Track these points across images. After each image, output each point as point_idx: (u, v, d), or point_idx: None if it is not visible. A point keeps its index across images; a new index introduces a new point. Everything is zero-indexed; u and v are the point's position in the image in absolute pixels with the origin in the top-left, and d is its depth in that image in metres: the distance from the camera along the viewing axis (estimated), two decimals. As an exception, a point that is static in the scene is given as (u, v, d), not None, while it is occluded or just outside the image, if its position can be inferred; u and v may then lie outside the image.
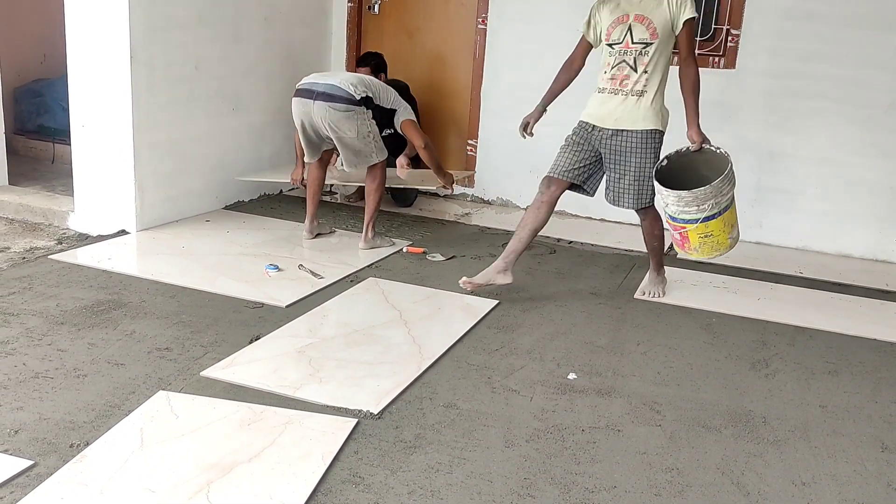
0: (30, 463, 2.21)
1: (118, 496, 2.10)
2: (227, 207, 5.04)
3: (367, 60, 5.08)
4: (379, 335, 3.29)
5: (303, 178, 4.64)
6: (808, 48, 4.79)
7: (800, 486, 2.41)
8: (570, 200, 5.46)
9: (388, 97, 4.30)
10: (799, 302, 4.05)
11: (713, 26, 5.01)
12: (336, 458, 2.36)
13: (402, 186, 4.97)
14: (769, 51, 4.88)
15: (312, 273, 3.94)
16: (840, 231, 4.93)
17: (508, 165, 5.58)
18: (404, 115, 4.32)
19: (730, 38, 4.95)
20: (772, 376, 3.18)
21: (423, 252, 4.38)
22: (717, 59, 5.00)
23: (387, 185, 4.50)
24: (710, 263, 4.59)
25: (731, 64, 4.97)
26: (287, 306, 3.52)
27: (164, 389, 2.69)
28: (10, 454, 2.25)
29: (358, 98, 4.08)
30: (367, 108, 4.15)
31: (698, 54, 5.05)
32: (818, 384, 3.13)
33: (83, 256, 3.98)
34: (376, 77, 4.71)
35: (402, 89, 5.20)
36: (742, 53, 4.93)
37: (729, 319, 3.74)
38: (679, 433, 2.68)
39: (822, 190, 4.92)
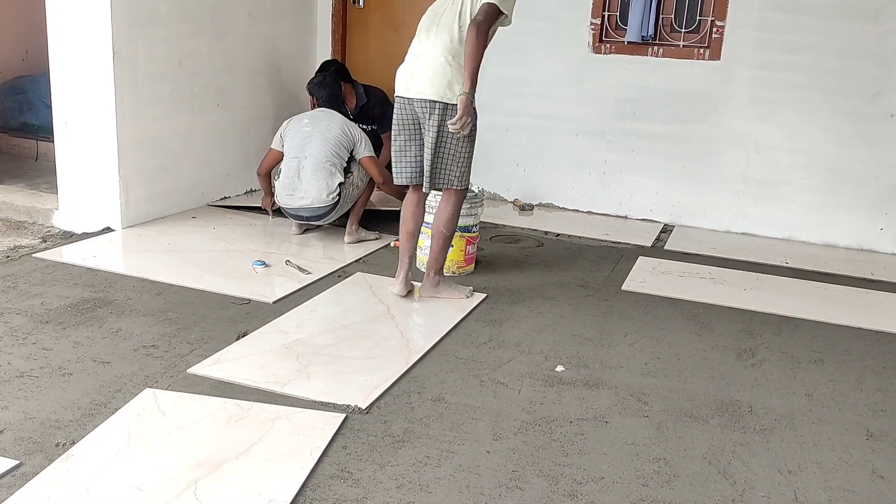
0: (15, 462, 2.19)
1: (105, 495, 2.09)
2: (213, 203, 5.02)
3: (327, 84, 4.64)
4: (367, 330, 3.29)
5: (273, 205, 4.65)
6: (793, 39, 4.81)
7: (786, 474, 2.43)
8: (557, 193, 5.50)
9: (355, 137, 4.35)
10: (784, 292, 4.08)
11: (698, 17, 5.03)
12: (324, 454, 2.36)
13: (374, 208, 4.91)
14: (754, 42, 4.90)
15: (300, 269, 3.93)
16: (825, 221, 4.96)
17: (494, 158, 5.57)
18: (364, 152, 4.37)
19: (714, 30, 4.96)
20: (758, 366, 3.20)
21: (411, 246, 4.37)
22: (701, 50, 5.01)
23: (368, 208, 4.59)
24: (696, 254, 4.63)
25: (716, 55, 4.98)
26: (274, 302, 3.51)
27: (150, 387, 2.68)
28: (-5, 454, 2.23)
29: (336, 195, 4.26)
30: (348, 172, 4.32)
31: (683, 45, 5.07)
32: (804, 373, 3.15)
33: (68, 254, 3.95)
34: (341, 85, 4.71)
35: (380, 99, 5.24)
36: (727, 45, 4.95)
37: (716, 310, 3.76)
38: (666, 424, 2.69)
39: (807, 180, 4.95)
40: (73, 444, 2.31)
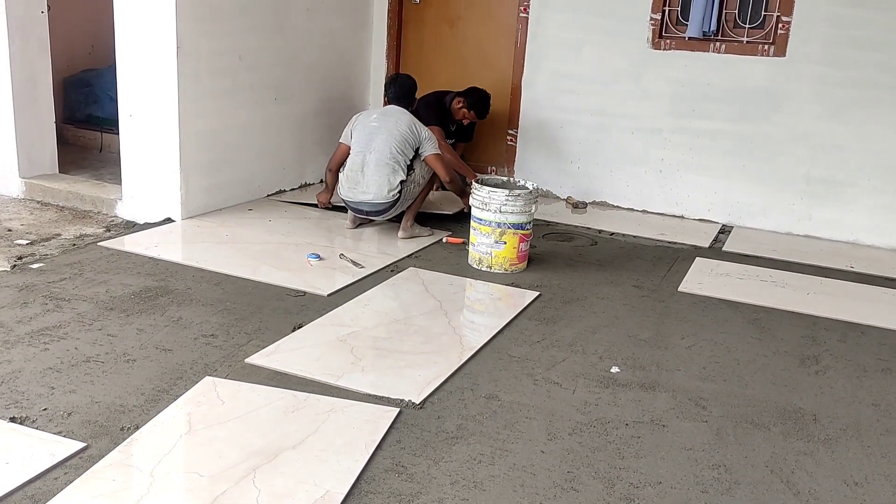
0: (82, 445, 2.26)
1: (168, 480, 2.14)
2: (269, 196, 5.09)
3: (399, 83, 4.59)
4: (419, 325, 3.29)
5: (328, 202, 4.76)
6: (863, 35, 4.64)
7: (852, 485, 2.35)
8: (611, 192, 5.42)
9: (422, 136, 4.35)
10: (850, 297, 3.95)
11: (763, 13, 4.89)
12: (379, 447, 2.37)
13: (429, 211, 4.85)
14: (822, 38, 4.74)
15: (353, 262, 3.96)
16: (894, 224, 4.78)
17: (549, 155, 5.53)
18: (430, 150, 4.36)
19: (780, 25, 4.82)
20: (822, 373, 3.10)
21: (463, 242, 4.36)
22: (766, 46, 4.87)
23: (420, 210, 4.57)
24: (756, 256, 4.52)
25: (781, 52, 4.84)
26: (329, 295, 3.54)
27: (210, 375, 2.73)
28: (64, 436, 2.30)
29: (397, 192, 4.28)
30: (410, 170, 4.33)
31: (747, 41, 4.94)
32: (870, 382, 3.04)
33: (130, 243, 4.05)
34: (414, 84, 4.63)
35: (435, 105, 5.10)
36: (793, 41, 4.80)
37: (777, 314, 3.66)
38: (726, 429, 2.63)
39: (875, 181, 4.77)
40: (137, 428, 2.37)
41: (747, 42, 4.94)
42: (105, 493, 2.07)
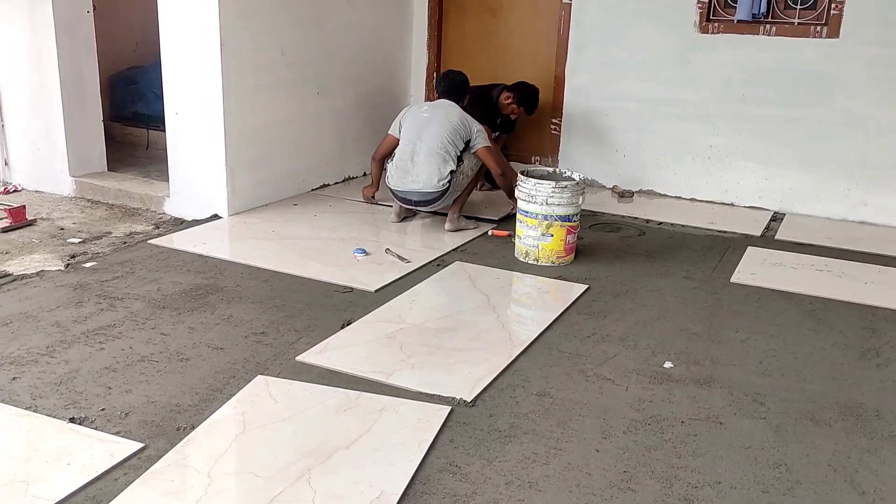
0: (141, 445, 2.29)
1: (224, 480, 2.16)
2: (313, 190, 5.11)
3: (450, 77, 4.61)
4: (468, 321, 3.27)
5: (373, 197, 4.79)
6: (922, 13, 4.46)
7: (921, 486, 2.27)
8: (658, 180, 5.32)
9: (471, 131, 4.33)
10: (911, 286, 3.82)
11: (815, -7, 4.73)
12: (432, 447, 2.36)
13: (473, 215, 4.71)
14: (877, 19, 4.57)
15: (399, 257, 3.95)
16: (955, 209, 4.61)
17: (593, 144, 5.44)
18: (481, 142, 4.33)
19: (833, 6, 4.65)
20: (883, 366, 3.00)
21: (508, 235, 4.33)
22: (818, 28, 4.71)
23: (464, 214, 4.55)
24: (810, 245, 4.39)
25: (834, 33, 4.68)
26: (376, 291, 3.54)
27: (262, 374, 2.75)
28: (122, 436, 2.34)
29: (447, 182, 4.25)
30: (460, 162, 4.30)
31: (798, 23, 4.79)
32: (936, 376, 2.94)
33: (179, 241, 4.10)
34: (466, 80, 4.60)
35: (480, 100, 4.96)
36: (846, 22, 4.64)
37: (834, 305, 3.55)
38: (785, 426, 2.56)
39: (935, 166, 4.60)
40: (193, 428, 2.40)
41: (798, 24, 4.79)
42: (165, 493, 2.10)
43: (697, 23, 4.96)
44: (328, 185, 5.26)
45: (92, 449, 2.26)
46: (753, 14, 4.79)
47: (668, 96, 5.15)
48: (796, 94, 4.84)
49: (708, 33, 4.96)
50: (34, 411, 2.44)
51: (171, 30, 4.35)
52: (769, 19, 4.84)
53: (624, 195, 5.25)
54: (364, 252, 3.99)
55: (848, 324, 3.37)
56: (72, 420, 2.41)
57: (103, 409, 2.48)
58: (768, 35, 4.84)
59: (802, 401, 2.73)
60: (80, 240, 4.09)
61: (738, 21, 4.84)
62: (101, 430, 2.36)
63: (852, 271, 3.98)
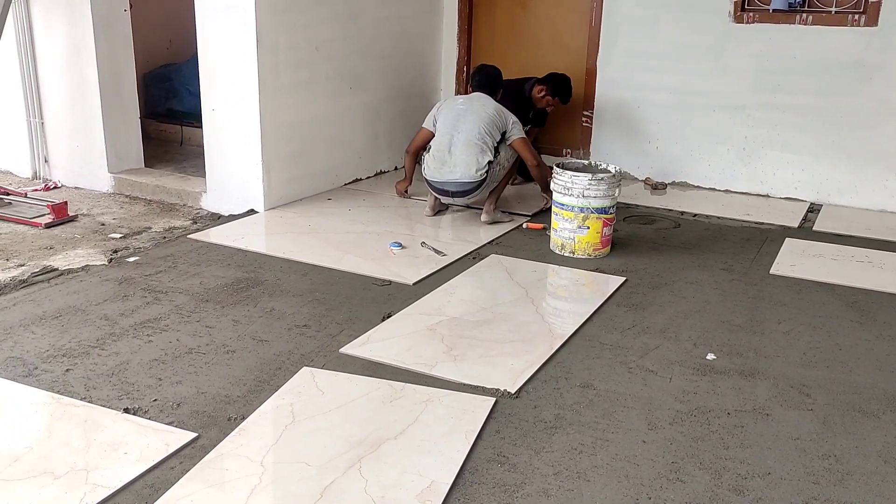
0: (194, 435, 2.33)
1: (277, 469, 2.20)
2: (346, 185, 5.15)
3: (485, 71, 4.64)
4: (507, 313, 3.28)
5: (406, 191, 4.81)
6: (965, -1, 4.38)
7: (975, 478, 2.25)
8: (692, 171, 5.28)
9: (507, 122, 4.35)
10: (955, 277, 3.76)
11: (853, -20, 4.67)
12: (479, 437, 2.38)
13: (508, 210, 4.72)
14: (918, 4, 4.50)
15: (435, 250, 3.97)
16: None
17: (625, 136, 5.42)
18: (517, 134, 4.34)
19: (872, -7, 4.59)
20: (931, 358, 2.97)
21: (543, 228, 4.33)
22: (856, 16, 4.65)
23: (501, 209, 4.56)
24: (849, 236, 4.35)
25: (872, 21, 4.61)
26: (414, 284, 3.56)
27: (307, 366, 2.78)
28: (176, 426, 2.38)
29: (485, 172, 4.25)
30: (497, 154, 4.30)
31: (835, 11, 4.73)
32: None
33: (217, 236, 4.15)
34: (499, 74, 4.62)
35: (511, 95, 4.90)
36: (885, 9, 4.57)
37: (877, 296, 3.52)
38: (833, 418, 2.55)
39: (977, 155, 4.53)
40: (244, 418, 2.43)
41: (836, 12, 4.72)
42: (220, 481, 2.14)
43: (732, 12, 4.92)
44: (360, 179, 5.29)
45: (147, 438, 2.31)
46: (790, 3, 4.73)
47: (702, 87, 5.11)
48: (833, 84, 4.78)
49: (743, 23, 4.91)
50: (89, 402, 2.50)
51: (208, 27, 4.39)
52: (805, 8, 4.78)
53: (657, 187, 5.23)
54: (400, 245, 4.01)
55: (892, 315, 3.33)
56: (126, 410, 2.46)
57: (155, 400, 2.53)
58: (804, 24, 4.78)
59: (849, 392, 2.71)
60: (121, 235, 4.16)
61: (774, 10, 4.79)
62: (155, 420, 2.41)
63: (894, 263, 3.93)
